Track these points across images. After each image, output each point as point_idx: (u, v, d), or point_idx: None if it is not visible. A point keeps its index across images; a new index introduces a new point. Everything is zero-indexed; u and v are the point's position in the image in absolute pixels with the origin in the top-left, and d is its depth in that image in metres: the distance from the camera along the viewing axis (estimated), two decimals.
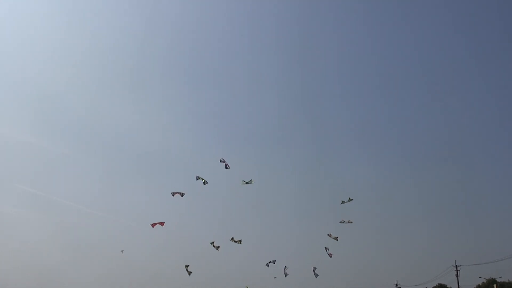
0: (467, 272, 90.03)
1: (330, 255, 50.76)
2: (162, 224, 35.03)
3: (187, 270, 44.58)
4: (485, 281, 78.94)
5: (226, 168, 34.26)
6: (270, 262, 47.00)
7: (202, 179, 39.48)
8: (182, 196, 36.07)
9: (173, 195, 35.08)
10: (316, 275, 50.70)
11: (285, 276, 50.77)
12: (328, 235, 48.39)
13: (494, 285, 65.26)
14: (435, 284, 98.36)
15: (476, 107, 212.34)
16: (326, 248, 52.05)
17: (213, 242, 41.66)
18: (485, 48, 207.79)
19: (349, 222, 48.17)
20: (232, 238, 40.18)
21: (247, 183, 37.16)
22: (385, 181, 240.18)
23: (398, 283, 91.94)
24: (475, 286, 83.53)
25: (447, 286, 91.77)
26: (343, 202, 48.02)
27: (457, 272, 74.21)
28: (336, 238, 47.44)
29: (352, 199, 46.27)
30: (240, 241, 40.10)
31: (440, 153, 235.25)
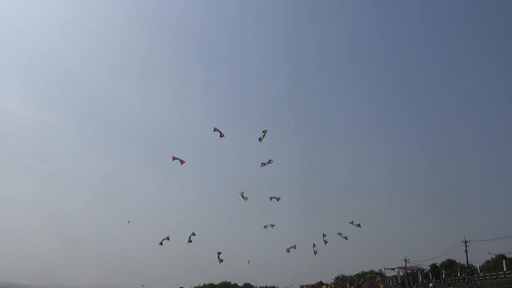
0: (476, 248, 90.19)
1: (325, 242, 51.26)
2: (182, 162, 35.38)
3: (218, 257, 45.58)
4: (494, 256, 78.99)
5: (221, 136, 34.50)
6: (269, 225, 47.56)
7: (244, 196, 40.70)
8: (182, 163, 36.21)
9: (173, 159, 35.30)
10: (315, 252, 50.93)
11: (315, 252, 51.13)
12: (350, 222, 49.13)
13: (504, 261, 65.10)
14: (444, 259, 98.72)
15: None
16: (323, 234, 52.49)
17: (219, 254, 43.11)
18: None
19: (358, 225, 49.28)
20: (242, 193, 40.93)
21: (263, 135, 37.64)
22: (395, 161, 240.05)
23: (407, 259, 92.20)
24: (484, 261, 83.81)
25: (456, 261, 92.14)
26: (351, 223, 49.28)
27: (466, 248, 74.14)
28: (359, 225, 48.72)
29: (360, 225, 47.59)
30: (245, 196, 41.00)
31: (449, 132, 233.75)
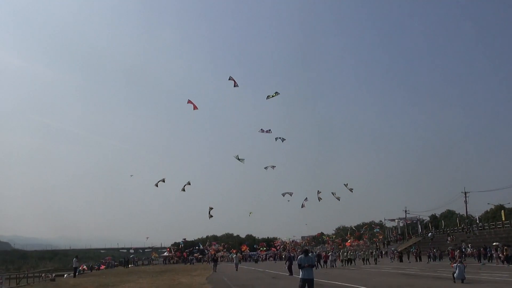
0: (476, 198, 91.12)
1: (319, 199, 51.75)
2: (195, 107, 35.16)
3: (209, 213, 45.72)
4: (493, 207, 79.73)
5: (235, 86, 33.82)
6: (270, 166, 47.56)
7: (239, 158, 40.17)
8: (194, 109, 35.82)
9: (188, 103, 34.86)
10: (320, 199, 51.56)
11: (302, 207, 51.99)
12: (344, 185, 49.68)
13: (502, 211, 65.76)
14: (443, 210, 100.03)
15: None
16: (318, 191, 52.93)
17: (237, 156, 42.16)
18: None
19: (351, 190, 50.88)
20: (237, 156, 40.80)
21: (273, 96, 37.33)
22: (394, 109, 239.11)
23: (407, 209, 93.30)
24: (483, 212, 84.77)
25: (456, 212, 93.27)
26: (345, 185, 51.09)
27: (465, 199, 74.84)
28: (351, 190, 50.21)
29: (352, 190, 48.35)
30: (240, 158, 40.88)
31: (448, 81, 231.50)
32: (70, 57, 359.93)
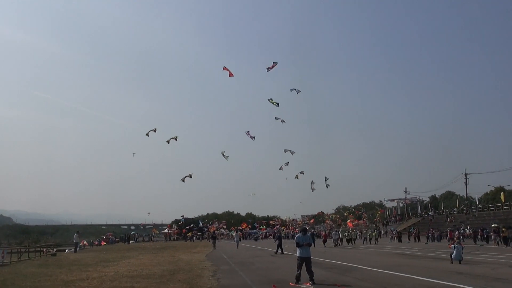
0: (476, 180, 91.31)
1: (313, 189, 51.54)
2: (231, 74, 35.10)
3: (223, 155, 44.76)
4: (493, 189, 79.85)
5: (230, 76, 33.66)
6: (289, 151, 47.02)
7: (224, 155, 40.08)
8: (230, 75, 35.78)
9: (223, 69, 34.71)
10: (327, 185, 51.60)
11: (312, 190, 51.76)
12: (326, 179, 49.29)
13: (502, 193, 65.88)
14: (443, 191, 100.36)
15: None
16: (312, 182, 52.53)
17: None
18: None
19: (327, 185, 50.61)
20: (223, 152, 41.14)
21: (273, 102, 37.85)
22: (394, 97, 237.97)
23: (407, 190, 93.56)
24: (483, 193, 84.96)
25: (456, 193, 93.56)
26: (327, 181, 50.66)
27: (466, 180, 74.90)
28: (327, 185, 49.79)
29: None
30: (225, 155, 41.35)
31: (449, 66, 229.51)
32: (77, 34, 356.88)
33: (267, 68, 34.96)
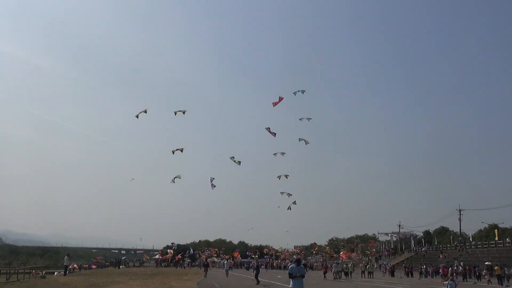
0: (470, 217, 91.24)
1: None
2: (272, 133, 35.37)
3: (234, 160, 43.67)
4: (487, 226, 79.88)
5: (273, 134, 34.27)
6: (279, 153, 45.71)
7: (235, 160, 39.89)
8: (184, 113, 35.80)
9: (274, 104, 34.72)
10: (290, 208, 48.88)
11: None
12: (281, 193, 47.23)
13: (496, 230, 65.94)
14: (437, 226, 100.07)
15: None
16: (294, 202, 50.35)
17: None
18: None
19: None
20: (233, 157, 40.49)
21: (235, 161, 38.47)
22: (391, 119, 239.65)
23: (401, 224, 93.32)
24: (477, 230, 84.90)
25: (449, 229, 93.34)
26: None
27: (460, 216, 74.99)
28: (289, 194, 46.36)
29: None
30: (239, 162, 40.65)
31: (445, 94, 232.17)
32: (66, 49, 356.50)
33: (273, 103, 35.18)
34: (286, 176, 45.74)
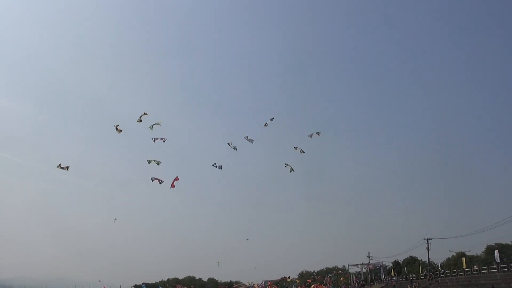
0: (437, 245, 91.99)
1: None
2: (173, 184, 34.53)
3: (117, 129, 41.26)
4: (454, 254, 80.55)
5: (160, 183, 33.99)
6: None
7: (155, 161, 38.72)
8: (158, 164, 35.29)
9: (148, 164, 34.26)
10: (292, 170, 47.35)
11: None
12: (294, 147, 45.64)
13: (463, 258, 66.41)
14: (406, 256, 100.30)
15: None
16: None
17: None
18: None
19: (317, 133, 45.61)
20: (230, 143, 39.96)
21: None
22: (362, 161, 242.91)
23: (370, 255, 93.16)
24: (445, 259, 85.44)
25: (418, 258, 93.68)
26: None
27: (428, 245, 75.41)
28: (302, 151, 45.00)
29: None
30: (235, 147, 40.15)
31: (418, 130, 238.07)
32: (26, 88, 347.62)
33: (265, 124, 35.30)
34: (318, 133, 44.82)
